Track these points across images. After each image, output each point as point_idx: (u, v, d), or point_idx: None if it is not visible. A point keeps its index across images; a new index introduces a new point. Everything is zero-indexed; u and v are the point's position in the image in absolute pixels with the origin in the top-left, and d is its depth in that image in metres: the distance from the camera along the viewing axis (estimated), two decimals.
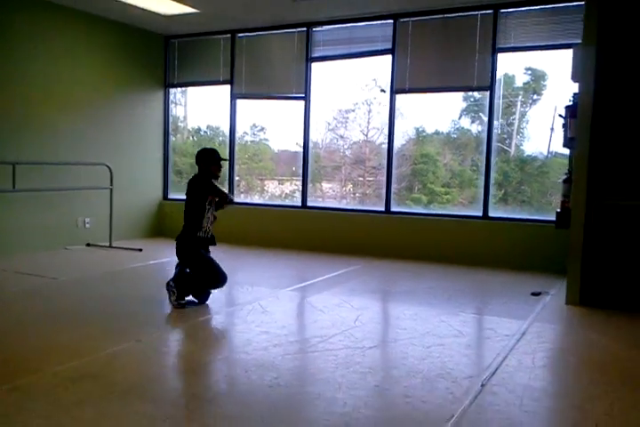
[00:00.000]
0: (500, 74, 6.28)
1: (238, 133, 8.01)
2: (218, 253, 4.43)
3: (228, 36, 7.53)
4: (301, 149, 7.37)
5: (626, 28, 4.40)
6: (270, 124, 8.05)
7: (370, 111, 7.61)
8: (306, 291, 4.74)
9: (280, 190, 8.06)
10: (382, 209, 6.75)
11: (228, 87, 7.66)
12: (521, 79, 6.72)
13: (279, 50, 7.33)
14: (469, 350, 3.26)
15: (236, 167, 7.95)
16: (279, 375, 2.82)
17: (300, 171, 7.37)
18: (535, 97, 6.65)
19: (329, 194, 7.91)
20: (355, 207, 7.15)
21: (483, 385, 2.73)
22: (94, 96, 6.97)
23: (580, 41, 5.34)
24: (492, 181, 6.30)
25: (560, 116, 5.19)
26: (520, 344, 3.39)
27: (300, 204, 7.25)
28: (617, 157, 4.43)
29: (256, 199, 8.07)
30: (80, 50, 6.76)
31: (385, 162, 6.81)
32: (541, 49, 6.05)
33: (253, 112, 7.86)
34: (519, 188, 6.74)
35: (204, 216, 4.23)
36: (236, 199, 8.11)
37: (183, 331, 3.60)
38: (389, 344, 3.34)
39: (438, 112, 7.00)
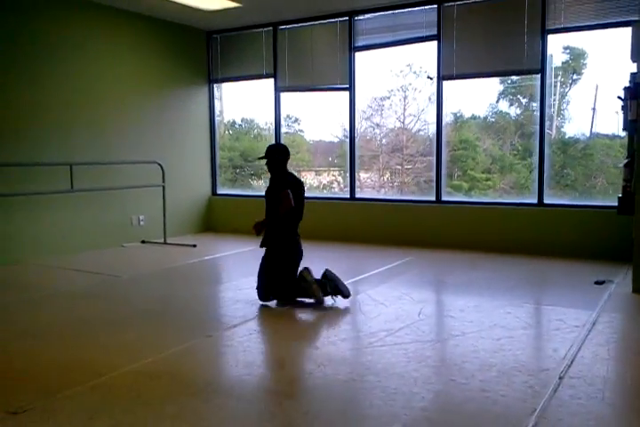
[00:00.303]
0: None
1: (272, 125, 8.09)
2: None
3: (270, 28, 7.53)
4: (337, 140, 7.35)
5: None
6: (304, 115, 7.98)
7: (405, 98, 7.52)
8: (363, 284, 4.73)
9: (318, 181, 8.04)
10: (433, 199, 6.67)
11: (271, 81, 7.68)
12: (559, 58, 6.50)
13: (322, 41, 7.29)
14: (541, 343, 3.22)
15: None
16: (352, 370, 2.83)
17: (343, 161, 7.35)
18: (575, 77, 6.44)
19: (367, 184, 7.86)
20: (404, 198, 7.07)
21: (561, 378, 2.69)
22: (138, 95, 7.06)
23: (636, 18, 5.19)
24: (546, 168, 6.14)
25: (619, 97, 5.02)
26: (592, 335, 3.32)
27: (348, 195, 7.24)
28: None
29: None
30: (122, 48, 6.83)
31: (433, 150, 6.73)
32: (594, 28, 5.85)
33: (289, 103, 7.85)
34: (562, 171, 6.57)
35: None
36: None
37: (252, 327, 3.64)
38: (457, 337, 3.31)
39: (475, 96, 6.82)
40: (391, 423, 2.27)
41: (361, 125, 7.83)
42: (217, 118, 8.28)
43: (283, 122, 7.95)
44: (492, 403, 2.44)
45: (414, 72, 7.43)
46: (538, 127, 6.21)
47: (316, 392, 2.62)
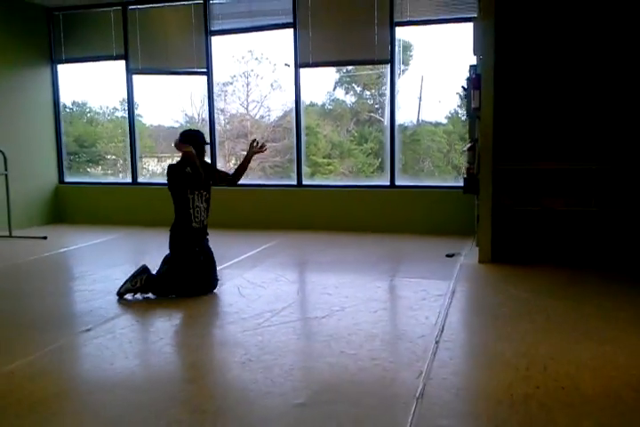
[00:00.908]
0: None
1: (109, 109, 7.81)
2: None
3: (119, 8, 7.16)
4: (178, 125, 7.44)
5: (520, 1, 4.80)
6: (141, 99, 7.70)
7: (248, 84, 7.63)
8: (237, 268, 4.78)
9: (161, 168, 7.88)
10: (295, 183, 6.86)
11: (121, 63, 7.32)
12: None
13: (176, 23, 7.10)
14: (413, 312, 3.52)
15: (111, 145, 7.79)
16: (247, 351, 2.90)
17: None
18: (403, 67, 6.96)
19: None
20: (267, 182, 7.18)
21: (437, 342, 2.99)
22: None
23: (474, 15, 5.73)
24: (397, 151, 6.57)
25: (462, 87, 5.54)
26: (454, 302, 3.70)
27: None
28: (516, 125, 4.86)
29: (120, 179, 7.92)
30: None
31: (292, 135, 6.89)
32: (438, 23, 6.35)
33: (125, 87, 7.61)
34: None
35: (190, 207, 3.95)
36: (117, 179, 7.93)
37: (132, 318, 3.54)
38: (338, 312, 3.51)
39: (313, 84, 7.05)
40: (297, 398, 2.39)
41: (202, 110, 7.81)
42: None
43: (119, 106, 7.71)
44: (383, 370, 2.66)
45: (256, 58, 7.55)
46: (389, 115, 6.58)
47: (216, 375, 2.66)
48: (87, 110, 7.98)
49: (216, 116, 7.24)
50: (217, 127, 7.21)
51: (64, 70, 7.64)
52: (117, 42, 7.28)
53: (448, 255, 5.15)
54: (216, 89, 7.34)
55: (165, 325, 3.41)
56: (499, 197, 4.91)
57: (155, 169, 8.14)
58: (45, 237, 6.28)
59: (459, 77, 6.73)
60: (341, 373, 2.64)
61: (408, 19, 6.40)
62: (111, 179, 8.02)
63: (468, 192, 5.31)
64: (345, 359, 2.78)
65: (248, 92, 7.64)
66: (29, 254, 5.44)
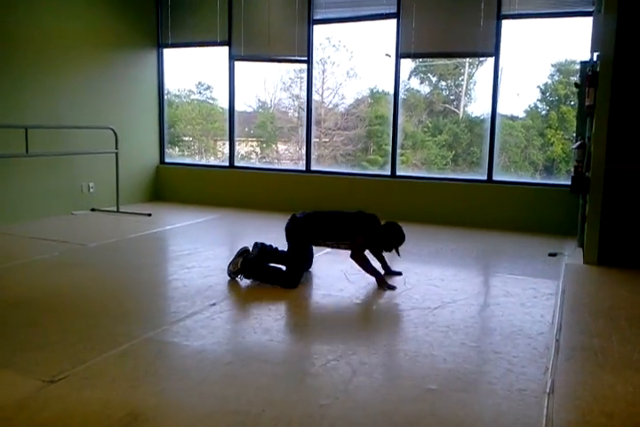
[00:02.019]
0: None
1: (184, 92, 8.03)
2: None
3: None
4: (251, 110, 7.80)
5: None
6: (217, 82, 7.88)
7: (324, 71, 7.65)
8: (339, 254, 4.86)
9: (235, 151, 8.02)
10: (388, 173, 6.90)
11: (223, 49, 7.54)
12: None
13: (280, 11, 7.24)
14: (526, 309, 3.51)
15: (189, 127, 8.05)
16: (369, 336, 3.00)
17: (262, 132, 7.66)
18: (482, 58, 6.78)
19: (285, 155, 7.99)
20: (361, 172, 7.24)
21: (557, 341, 2.99)
22: (88, 58, 6.73)
23: (590, 9, 5.57)
24: (496, 146, 6.50)
25: (575, 84, 5.41)
26: (566, 302, 3.67)
27: (304, 168, 7.33)
28: (634, 124, 4.71)
29: (212, 160, 8.11)
30: (73, 7, 6.47)
31: (389, 127, 6.92)
32: (546, 17, 6.19)
33: (203, 70, 7.97)
34: (469, 149, 7.00)
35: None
36: (192, 160, 8.16)
37: (254, 294, 3.71)
38: (450, 304, 3.56)
39: (387, 73, 6.92)
40: (427, 383, 2.47)
41: (274, 96, 7.93)
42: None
43: (195, 89, 7.97)
44: (508, 363, 2.70)
45: (334, 46, 7.56)
46: (491, 107, 6.49)
47: (347, 357, 2.77)
48: (166, 92, 8.23)
49: (290, 102, 7.36)
50: (309, 114, 7.33)
51: (170, 54, 7.95)
52: (222, 28, 7.50)
53: (551, 254, 5.08)
54: (292, 75, 7.45)
55: (283, 303, 3.55)
56: (608, 198, 4.79)
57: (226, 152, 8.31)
58: (150, 214, 6.60)
59: (542, 72, 6.65)
60: (466, 363, 2.69)
61: (517, 11, 6.29)
62: (188, 160, 8.25)
63: (574, 191, 5.20)
64: (467, 350, 2.83)
65: (324, 79, 7.68)
66: (138, 230, 5.74)
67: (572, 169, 5.30)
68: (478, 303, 3.60)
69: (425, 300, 3.67)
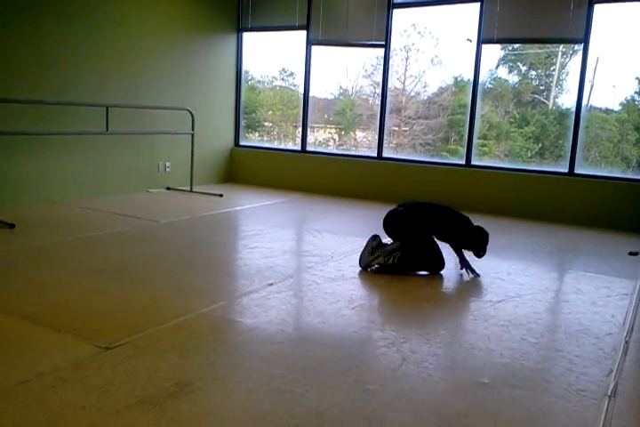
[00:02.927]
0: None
1: (268, 78, 8.02)
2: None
3: None
4: (332, 97, 7.70)
5: None
6: (297, 68, 7.85)
7: (407, 58, 7.44)
8: None
9: (314, 138, 8.00)
10: (463, 162, 6.70)
11: (301, 33, 7.53)
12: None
13: None
14: (596, 308, 3.32)
15: (270, 113, 8.06)
16: (423, 326, 2.92)
17: (342, 118, 7.56)
18: (576, 47, 6.38)
19: (363, 143, 7.87)
20: (433, 160, 7.07)
21: (627, 342, 2.80)
22: (168, 39, 6.89)
23: None
24: (580, 138, 6.16)
25: None
26: None
27: (375, 154, 7.24)
28: None
29: (290, 146, 8.08)
30: None
31: (466, 116, 6.70)
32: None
33: (286, 57, 7.95)
34: (557, 142, 6.62)
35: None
36: (268, 144, 8.19)
37: (308, 277, 3.71)
38: (514, 299, 3.41)
39: (472, 60, 6.68)
40: (479, 377, 2.37)
41: (356, 84, 7.80)
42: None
43: (278, 75, 7.96)
44: (569, 362, 2.55)
45: (419, 32, 7.35)
46: (576, 98, 6.15)
47: (398, 344, 2.71)
48: (249, 78, 8.30)
49: (372, 89, 7.24)
50: (384, 99, 7.21)
51: (248, 38, 8.03)
52: (300, 12, 7.48)
53: (631, 253, 4.78)
54: (374, 62, 7.33)
55: (341, 288, 3.52)
56: None
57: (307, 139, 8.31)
58: (221, 195, 6.73)
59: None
60: (523, 359, 2.57)
61: None
62: (267, 144, 8.28)
63: None
64: (527, 346, 2.71)
65: (407, 66, 7.50)
66: (209, 209, 5.87)
67: None
68: (545, 299, 3.43)
69: (488, 293, 3.54)
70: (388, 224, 4.01)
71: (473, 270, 3.86)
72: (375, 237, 3.99)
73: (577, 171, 6.13)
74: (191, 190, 6.92)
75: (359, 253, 3.99)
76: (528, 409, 2.13)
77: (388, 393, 2.20)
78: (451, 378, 2.36)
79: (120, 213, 5.47)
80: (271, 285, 3.47)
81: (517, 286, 3.67)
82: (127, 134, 6.37)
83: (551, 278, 3.93)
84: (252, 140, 8.31)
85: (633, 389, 2.34)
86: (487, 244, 3.96)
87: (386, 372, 2.38)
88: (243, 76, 8.10)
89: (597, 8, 5.95)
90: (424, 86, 7.58)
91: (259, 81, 8.44)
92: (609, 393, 2.27)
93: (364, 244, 4.01)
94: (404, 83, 7.60)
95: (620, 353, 2.67)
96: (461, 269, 3.90)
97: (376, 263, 3.85)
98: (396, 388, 2.25)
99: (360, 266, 3.92)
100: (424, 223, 3.92)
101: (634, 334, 2.92)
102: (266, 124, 8.57)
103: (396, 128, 7.57)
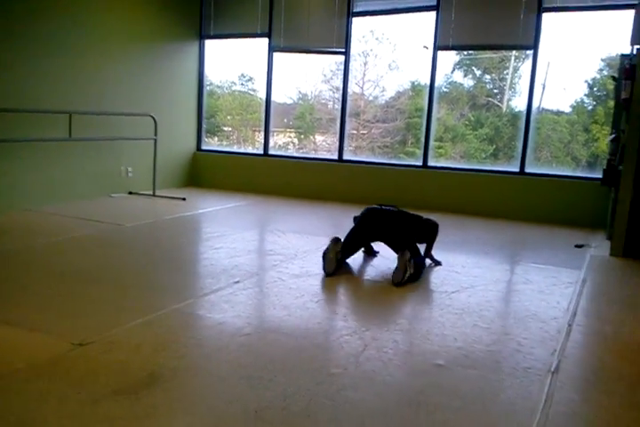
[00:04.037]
0: None
1: (227, 83, 8.20)
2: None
3: None
4: (291, 102, 7.95)
5: None
6: (259, 74, 8.00)
7: (366, 64, 7.67)
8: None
9: (273, 142, 8.16)
10: (420, 164, 6.94)
11: (262, 40, 7.67)
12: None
13: (320, 3, 7.31)
14: (543, 295, 3.56)
15: (229, 117, 8.24)
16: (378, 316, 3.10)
17: (301, 123, 7.75)
18: (528, 52, 6.70)
19: (322, 146, 8.07)
20: (392, 161, 7.30)
21: (570, 325, 3.03)
22: (131, 46, 6.95)
23: (635, 1, 5.48)
24: (531, 138, 6.47)
25: (612, 77, 5.36)
26: (586, 290, 3.69)
27: (336, 157, 7.43)
28: None
29: (250, 150, 8.27)
30: None
31: (423, 119, 6.95)
32: (590, 9, 6.12)
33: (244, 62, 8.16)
34: (510, 143, 6.94)
35: None
36: (229, 148, 8.34)
37: (274, 275, 3.84)
38: (468, 289, 3.62)
39: (427, 66, 6.91)
40: (435, 359, 2.56)
41: (315, 88, 8.01)
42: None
43: (237, 81, 8.14)
44: (517, 344, 2.76)
45: (377, 38, 7.58)
46: (527, 101, 6.45)
47: (359, 333, 2.87)
48: (208, 83, 8.38)
49: (331, 94, 7.44)
50: (344, 104, 7.41)
51: (211, 45, 8.13)
52: (262, 20, 7.62)
53: (577, 246, 5.07)
54: (333, 68, 7.53)
55: (305, 284, 3.67)
56: (638, 191, 4.75)
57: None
58: (184, 199, 6.81)
59: (590, 66, 6.52)
60: (475, 342, 2.77)
61: (558, 4, 6.22)
62: (228, 149, 8.39)
63: (605, 184, 5.18)
64: (479, 331, 2.91)
65: (365, 71, 7.72)
66: (172, 213, 5.96)
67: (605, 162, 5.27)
68: (496, 289, 3.66)
69: (443, 284, 3.74)
70: (386, 223, 4.09)
71: (436, 260, 4.18)
72: (337, 241, 4.03)
73: (527, 170, 6.44)
74: (154, 194, 6.98)
75: (322, 252, 4.12)
76: (479, 386, 2.32)
77: (351, 376, 2.36)
78: (409, 361, 2.54)
79: (86, 217, 5.51)
80: (237, 282, 3.60)
81: (471, 278, 3.89)
82: (89, 140, 6.39)
83: (502, 270, 4.17)
84: (211, 144, 8.40)
85: (574, 365, 2.56)
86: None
87: (349, 357, 2.54)
88: (204, 82, 8.19)
89: (545, 16, 6.28)
90: (382, 91, 7.82)
91: (218, 86, 8.54)
92: (552, 369, 2.48)
93: (327, 244, 4.09)
94: (362, 87, 7.82)
95: (563, 335, 2.89)
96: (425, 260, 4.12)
97: (407, 278, 3.73)
98: (358, 371, 2.41)
99: (324, 271, 3.87)
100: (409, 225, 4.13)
101: (577, 317, 3.16)
102: (225, 128, 8.68)
103: (355, 131, 7.78)
